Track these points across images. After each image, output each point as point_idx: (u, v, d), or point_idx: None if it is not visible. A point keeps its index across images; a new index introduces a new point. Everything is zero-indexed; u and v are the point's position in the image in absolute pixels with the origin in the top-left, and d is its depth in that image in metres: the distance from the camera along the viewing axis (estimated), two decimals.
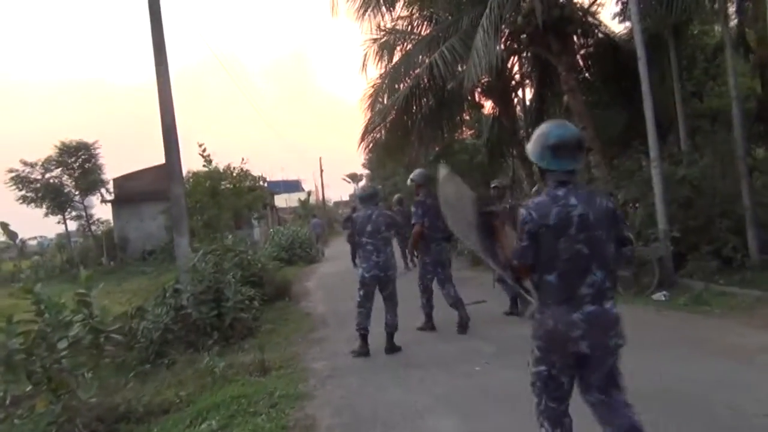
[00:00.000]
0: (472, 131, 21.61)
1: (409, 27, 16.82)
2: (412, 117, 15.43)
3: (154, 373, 7.28)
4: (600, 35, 15.43)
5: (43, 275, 27.65)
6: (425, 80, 14.21)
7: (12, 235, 32.24)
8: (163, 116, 9.34)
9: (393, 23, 16.84)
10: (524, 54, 16.27)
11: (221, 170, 14.18)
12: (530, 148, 2.90)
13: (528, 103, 18.00)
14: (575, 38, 14.58)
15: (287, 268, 18.12)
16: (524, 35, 13.71)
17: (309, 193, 46.71)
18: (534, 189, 9.54)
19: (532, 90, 17.60)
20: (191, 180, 14.39)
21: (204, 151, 12.39)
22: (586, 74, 15.99)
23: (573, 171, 2.82)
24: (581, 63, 15.74)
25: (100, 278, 23.35)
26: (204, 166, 12.96)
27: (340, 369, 6.28)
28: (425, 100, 15.27)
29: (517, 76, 17.44)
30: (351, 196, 60.75)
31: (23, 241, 35.80)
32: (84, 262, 30.20)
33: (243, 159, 16.26)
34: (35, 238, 42.87)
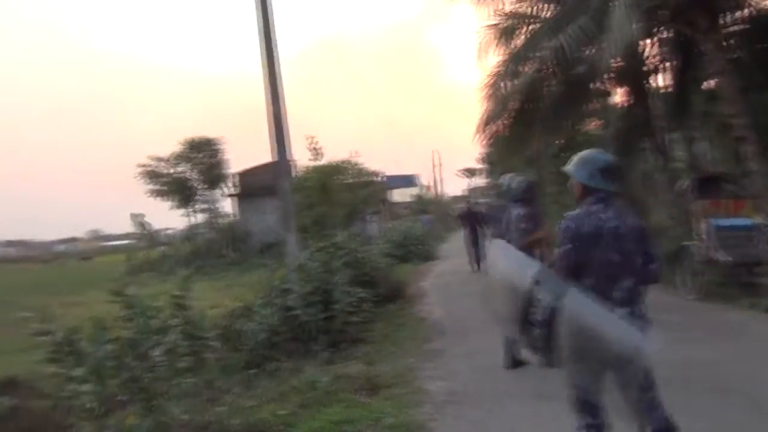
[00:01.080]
0: (599, 122, 19.99)
1: (532, 10, 15.64)
2: (535, 106, 14.30)
3: (258, 379, 6.82)
4: (754, 11, 13.50)
5: (172, 265, 29.04)
6: (550, 65, 13.05)
7: (143, 226, 34.08)
8: (271, 109, 8.92)
9: (514, 6, 15.73)
10: (662, 35, 14.63)
11: (334, 164, 13.72)
12: (578, 169, 3.30)
13: (664, 90, 16.23)
14: (724, 14, 12.87)
15: (401, 266, 17.48)
16: (665, 11, 12.21)
17: (424, 188, 46.09)
18: None
19: (670, 76, 15.83)
20: (302, 175, 14.04)
21: (315, 144, 11.95)
22: (737, 54, 14.10)
23: (612, 191, 3.26)
24: (731, 42, 13.89)
25: (221, 270, 24.12)
26: (311, 159, 12.51)
27: (460, 394, 5.43)
28: (550, 87, 14.12)
29: (653, 61, 15.76)
30: (470, 190, 59.26)
31: (155, 233, 37.81)
32: (208, 253, 31.39)
33: (354, 152, 15.66)
34: (167, 229, 45.27)
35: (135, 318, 4.70)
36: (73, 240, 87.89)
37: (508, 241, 5.66)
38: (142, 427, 4.65)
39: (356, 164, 14.78)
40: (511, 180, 6.41)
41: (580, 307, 2.95)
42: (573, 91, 14.49)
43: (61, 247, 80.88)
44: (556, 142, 17.72)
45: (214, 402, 5.70)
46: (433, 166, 70.59)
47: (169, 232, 44.87)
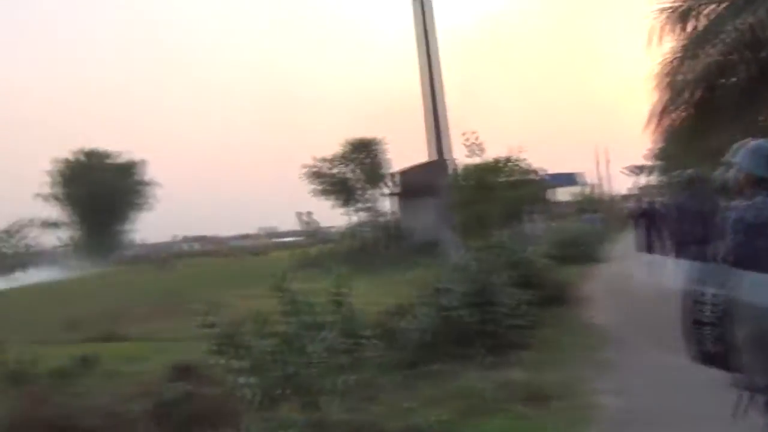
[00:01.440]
0: None
1: None
2: (719, 94, 12.86)
3: (415, 380, 6.64)
4: None
5: (334, 261, 30.20)
6: (737, 48, 11.70)
7: (309, 223, 35.80)
8: (429, 106, 8.74)
9: None
10: None
11: (494, 162, 13.23)
12: (747, 158, 3.08)
13: None
14: None
15: (565, 267, 16.56)
16: None
17: (588, 186, 43.83)
18: None
19: None
20: (461, 173, 13.70)
21: (475, 140, 11.57)
22: None
23: None
24: None
25: (380, 267, 24.53)
26: (469, 156, 12.12)
27: (639, 412, 4.83)
28: (738, 72, 12.62)
29: None
30: (640, 188, 55.27)
31: (321, 230, 39.60)
32: (368, 251, 32.23)
33: (515, 148, 14.97)
34: (331, 227, 47.24)
35: (294, 313, 4.68)
36: (248, 236, 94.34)
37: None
38: (301, 422, 4.63)
39: (517, 161, 14.12)
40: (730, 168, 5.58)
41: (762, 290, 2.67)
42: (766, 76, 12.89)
43: (237, 243, 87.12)
44: (745, 134, 15.88)
45: (371, 401, 5.59)
46: (599, 163, 66.90)
47: (333, 229, 46.81)
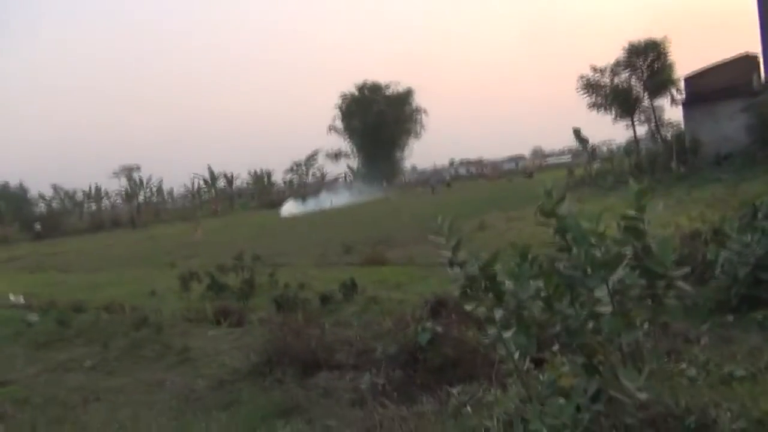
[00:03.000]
0: None
1: None
2: None
3: (738, 329, 4.93)
4: None
5: (612, 180, 27.48)
6: None
7: (582, 140, 33.02)
8: None
9: None
10: None
11: None
12: None
13: None
14: None
15: None
16: None
17: None
18: None
19: None
20: None
21: None
22: None
23: None
24: None
25: (668, 186, 21.52)
26: None
27: None
28: None
29: None
30: None
31: (593, 147, 36.50)
32: (652, 167, 28.68)
33: None
34: (606, 143, 43.58)
35: (572, 246, 3.30)
36: (520, 158, 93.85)
37: None
38: (581, 392, 3.34)
39: None
40: None
41: None
42: None
43: (509, 165, 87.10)
44: None
45: (678, 364, 4.07)
46: None
47: (609, 146, 43.10)
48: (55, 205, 72.79)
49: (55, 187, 74.10)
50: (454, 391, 4.21)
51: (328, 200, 52.60)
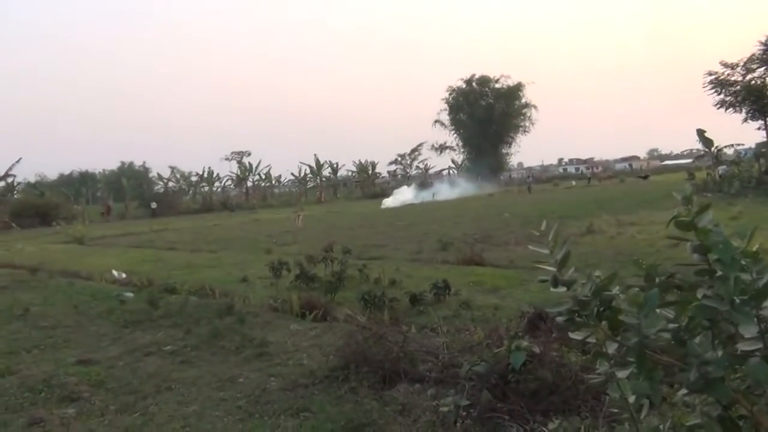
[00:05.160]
0: None
1: None
2: None
3: None
4: None
5: (737, 187, 25.05)
6: None
7: (707, 142, 30.43)
8: None
9: None
10: None
11: None
12: None
13: None
14: None
15: None
16: None
17: None
18: None
19: None
20: None
21: None
22: None
23: None
24: None
25: None
26: None
27: None
28: None
29: None
30: None
31: (718, 149, 33.64)
32: None
33: None
34: (731, 146, 40.09)
35: (717, 269, 2.53)
36: (634, 158, 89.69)
37: None
38: None
39: None
40: None
41: None
42: None
43: (622, 166, 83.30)
44: None
45: None
46: None
47: (736, 149, 39.65)
48: (171, 185, 76.83)
49: (172, 168, 78.27)
50: (551, 426, 3.56)
51: (430, 193, 52.11)
